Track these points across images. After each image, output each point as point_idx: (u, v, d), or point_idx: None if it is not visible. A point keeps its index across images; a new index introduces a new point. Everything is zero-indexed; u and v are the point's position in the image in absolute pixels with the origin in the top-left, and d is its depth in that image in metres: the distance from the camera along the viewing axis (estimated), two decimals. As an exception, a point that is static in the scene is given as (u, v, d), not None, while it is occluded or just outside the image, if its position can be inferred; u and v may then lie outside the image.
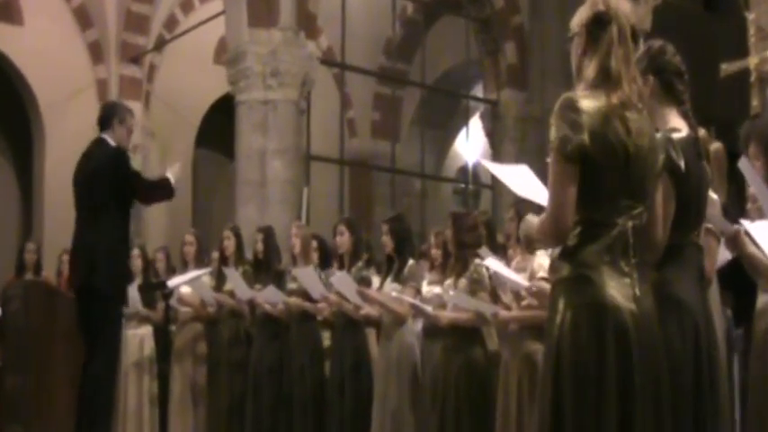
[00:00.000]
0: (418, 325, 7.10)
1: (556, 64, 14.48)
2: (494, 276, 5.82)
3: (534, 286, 5.40)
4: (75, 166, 6.75)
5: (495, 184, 14.84)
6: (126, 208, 6.58)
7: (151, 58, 15.48)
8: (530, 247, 5.67)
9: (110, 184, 6.45)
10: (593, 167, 3.06)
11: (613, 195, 3.09)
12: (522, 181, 3.62)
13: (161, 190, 6.86)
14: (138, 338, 9.00)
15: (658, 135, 3.32)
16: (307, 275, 7.56)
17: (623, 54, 3.15)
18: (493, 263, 5.66)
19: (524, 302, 5.60)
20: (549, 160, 3.13)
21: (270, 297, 8.01)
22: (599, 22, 3.17)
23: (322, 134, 14.17)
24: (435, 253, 6.91)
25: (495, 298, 6.02)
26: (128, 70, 15.05)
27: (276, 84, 11.55)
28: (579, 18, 3.23)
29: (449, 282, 6.30)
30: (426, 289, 6.80)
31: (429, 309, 6.31)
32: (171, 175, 6.81)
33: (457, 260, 6.28)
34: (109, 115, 6.78)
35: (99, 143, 6.72)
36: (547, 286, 4.88)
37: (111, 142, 6.67)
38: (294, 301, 7.88)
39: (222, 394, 8.49)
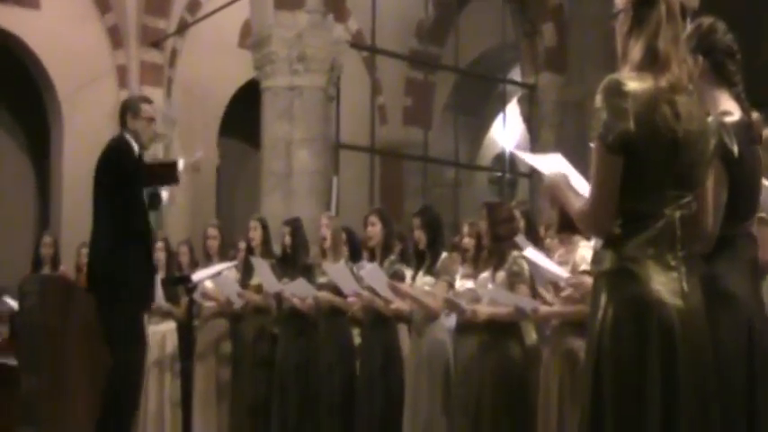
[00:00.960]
0: (451, 321, 7.07)
1: (597, 45, 14.37)
2: (532, 267, 5.77)
3: (574, 277, 5.36)
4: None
5: (533, 173, 14.78)
6: (132, 201, 6.58)
7: (173, 43, 15.52)
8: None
9: (107, 178, 6.53)
10: (638, 156, 3.02)
11: (660, 184, 3.05)
12: (559, 170, 3.59)
13: (160, 176, 6.82)
14: (159, 335, 9.04)
15: (709, 119, 3.28)
16: (338, 272, 7.54)
17: (672, 34, 3.10)
18: (531, 253, 5.61)
19: (564, 293, 5.55)
20: (592, 145, 3.09)
21: (299, 290, 8.01)
22: (645, 1, 3.11)
23: (351, 122, 14.16)
24: (468, 244, 6.88)
25: (536, 291, 5.98)
26: (148, 55, 15.10)
27: (303, 69, 11.54)
28: None
29: (485, 275, 6.24)
30: (459, 283, 6.76)
31: (464, 303, 6.27)
32: (182, 162, 6.80)
33: (491, 253, 6.24)
34: (121, 113, 6.88)
35: (113, 140, 6.81)
36: (588, 279, 4.84)
37: (128, 138, 6.74)
38: (324, 295, 7.88)
39: (247, 393, 8.52)
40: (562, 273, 5.46)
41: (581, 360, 5.25)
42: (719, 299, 3.31)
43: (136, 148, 6.69)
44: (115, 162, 6.56)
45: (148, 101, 7.11)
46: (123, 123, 6.82)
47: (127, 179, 6.52)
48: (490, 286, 6.11)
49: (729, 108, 3.55)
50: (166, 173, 6.72)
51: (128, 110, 6.83)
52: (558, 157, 3.66)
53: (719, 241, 3.34)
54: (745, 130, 3.50)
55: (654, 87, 3.04)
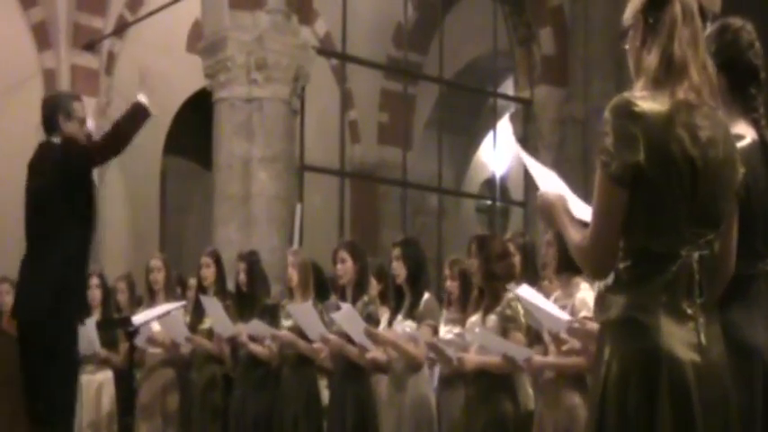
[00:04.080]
0: (435, 374, 7.11)
1: (602, 54, 14.55)
2: (527, 309, 5.80)
3: (577, 322, 5.37)
4: (26, 180, 6.74)
5: (528, 201, 14.89)
6: (88, 225, 6.59)
7: (110, 45, 15.53)
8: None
9: (64, 196, 6.42)
10: (649, 187, 3.04)
11: (676, 221, 3.06)
12: (556, 189, 3.52)
13: (133, 119, 6.78)
14: (95, 385, 9.03)
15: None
16: (304, 312, 7.58)
17: (690, 34, 3.12)
18: (527, 292, 5.64)
19: (565, 347, 5.60)
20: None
21: (256, 331, 8.06)
22: (657, 4, 3.15)
23: (318, 140, 14.25)
24: (452, 286, 6.93)
25: (533, 339, 6.03)
26: (81, 59, 15.08)
27: (263, 78, 11.62)
28: (633, 6, 3.23)
29: (474, 319, 6.29)
30: (443, 329, 6.80)
31: (451, 351, 6.31)
32: (142, 98, 6.76)
33: (483, 294, 6.27)
34: (50, 114, 6.69)
35: (45, 149, 6.65)
36: (593, 325, 4.87)
37: (57, 143, 6.62)
38: (286, 334, 7.90)
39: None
40: (563, 316, 5.47)
41: (580, 419, 5.34)
42: (734, 351, 3.26)
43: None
44: (77, 163, 6.47)
45: (78, 98, 6.98)
46: (53, 127, 6.64)
47: (85, 189, 6.51)
48: (477, 330, 6.15)
49: (742, 131, 3.56)
50: (136, 115, 6.72)
51: (58, 110, 6.67)
52: (554, 176, 3.63)
53: (732, 283, 3.31)
54: (757, 153, 3.53)
55: (670, 106, 3.06)
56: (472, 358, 6.19)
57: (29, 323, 6.52)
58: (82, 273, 6.76)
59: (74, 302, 6.61)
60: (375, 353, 7.11)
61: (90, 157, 6.65)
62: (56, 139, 6.60)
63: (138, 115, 6.71)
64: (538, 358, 5.82)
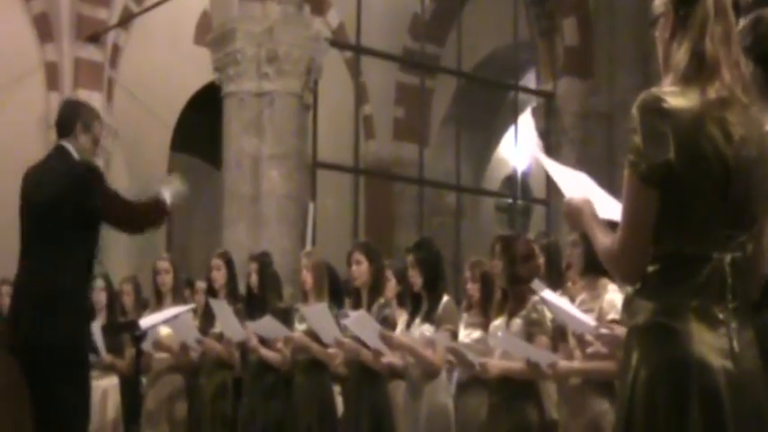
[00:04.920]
0: (453, 379, 7.10)
1: (629, 45, 14.52)
2: (552, 310, 5.78)
3: (604, 327, 5.36)
4: (26, 180, 6.66)
5: (551, 199, 14.88)
6: (95, 240, 6.52)
7: (115, 37, 15.55)
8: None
9: (75, 213, 6.34)
10: (680, 188, 3.04)
11: (707, 222, 3.06)
12: (583, 191, 3.54)
13: (151, 214, 6.71)
14: (99, 392, 9.04)
15: None
16: (318, 314, 7.57)
17: (722, 32, 3.11)
18: (550, 296, 5.63)
19: (590, 349, 5.59)
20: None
21: (266, 332, 8.04)
22: None
23: (331, 136, 14.24)
24: (472, 289, 6.93)
25: (558, 339, 6.01)
26: (85, 52, 15.08)
27: (274, 71, 11.64)
28: None
29: (498, 322, 6.28)
30: (463, 333, 6.80)
31: (473, 356, 6.30)
32: (167, 193, 6.58)
33: (507, 297, 6.26)
34: (70, 118, 6.57)
35: (60, 155, 6.57)
36: (621, 329, 4.86)
37: (75, 154, 6.56)
38: (299, 336, 7.90)
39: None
40: (589, 321, 5.46)
41: (607, 427, 5.33)
42: None
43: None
44: (94, 200, 6.27)
45: (100, 118, 6.85)
46: (68, 131, 6.52)
47: (113, 218, 6.40)
48: (500, 335, 6.14)
49: None
50: (155, 211, 6.57)
51: (79, 118, 6.55)
52: (584, 177, 3.65)
53: (766, 286, 3.31)
54: None
55: (700, 103, 3.05)
56: (496, 363, 6.17)
57: (41, 346, 6.40)
58: (88, 286, 6.68)
59: (85, 312, 6.56)
60: (391, 357, 7.11)
61: (106, 211, 6.54)
62: (71, 148, 6.52)
63: (159, 209, 6.62)
64: (563, 363, 5.80)
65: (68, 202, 6.24)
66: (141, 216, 6.64)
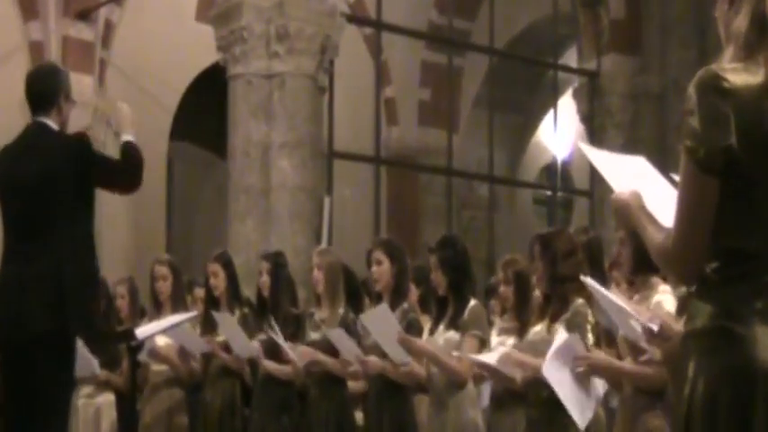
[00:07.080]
0: (484, 393, 7.08)
1: (682, 17, 14.50)
2: (598, 303, 5.71)
3: (658, 321, 5.24)
4: (3, 163, 6.63)
5: (595, 190, 14.85)
6: (91, 216, 6.53)
7: (107, 13, 15.56)
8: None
9: (75, 187, 6.33)
10: (742, 177, 3.02)
11: None
12: (637, 181, 3.51)
13: (134, 161, 6.67)
14: (92, 410, 9.06)
15: None
16: (339, 338, 7.53)
17: None
18: (599, 290, 5.55)
19: (644, 357, 5.56)
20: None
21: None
22: None
23: (350, 122, 14.27)
24: (506, 291, 6.92)
25: (601, 342, 5.98)
26: (74, 30, 15.09)
27: (284, 50, 11.65)
28: None
29: (538, 328, 6.25)
30: (496, 340, 6.78)
31: (509, 368, 6.26)
32: (128, 135, 6.60)
33: (549, 300, 6.22)
34: (52, 90, 6.48)
35: (41, 132, 6.52)
36: (677, 326, 4.80)
37: (55, 128, 6.51)
38: (306, 349, 7.88)
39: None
40: (640, 317, 5.38)
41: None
42: None
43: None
44: (90, 168, 6.33)
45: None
46: (48, 106, 6.43)
47: (106, 182, 6.48)
48: (563, 334, 6.01)
49: None
50: (135, 158, 6.54)
51: (61, 88, 6.49)
52: (641, 162, 3.63)
53: None
54: None
55: (765, 80, 3.03)
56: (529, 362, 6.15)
57: (26, 340, 6.40)
58: (97, 272, 6.68)
59: (92, 308, 6.57)
60: (413, 366, 7.08)
61: (105, 176, 6.57)
62: (52, 124, 6.48)
63: (135, 153, 6.60)
64: (616, 362, 5.74)
65: (66, 178, 6.26)
66: (131, 168, 6.57)
